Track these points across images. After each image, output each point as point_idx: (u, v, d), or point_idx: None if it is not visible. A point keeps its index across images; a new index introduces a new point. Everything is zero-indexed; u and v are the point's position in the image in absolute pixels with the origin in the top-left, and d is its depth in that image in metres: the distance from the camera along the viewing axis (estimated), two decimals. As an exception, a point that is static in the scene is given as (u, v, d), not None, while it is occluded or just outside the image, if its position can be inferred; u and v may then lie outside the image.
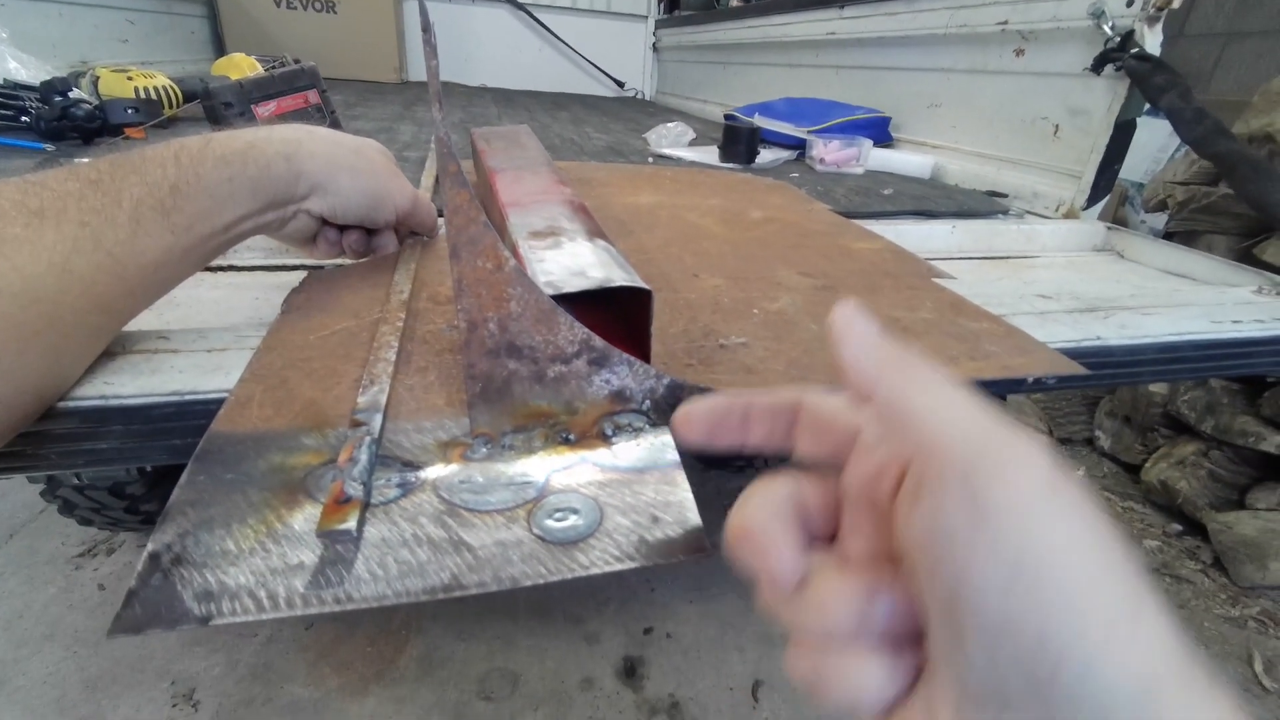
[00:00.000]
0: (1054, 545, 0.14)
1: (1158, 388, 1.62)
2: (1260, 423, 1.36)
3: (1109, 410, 1.75)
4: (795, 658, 0.19)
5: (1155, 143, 1.89)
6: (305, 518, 0.25)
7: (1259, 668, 1.16)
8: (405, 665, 1.10)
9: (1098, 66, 0.80)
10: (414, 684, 1.07)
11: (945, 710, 0.16)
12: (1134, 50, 0.75)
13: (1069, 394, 1.88)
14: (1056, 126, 0.89)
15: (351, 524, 0.24)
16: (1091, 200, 0.83)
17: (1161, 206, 1.64)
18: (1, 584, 1.19)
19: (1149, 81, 0.73)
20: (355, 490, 0.25)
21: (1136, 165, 1.93)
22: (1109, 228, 0.80)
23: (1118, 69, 0.78)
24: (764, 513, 0.19)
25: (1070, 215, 0.84)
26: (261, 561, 0.23)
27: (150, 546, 0.23)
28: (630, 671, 1.12)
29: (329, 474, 0.27)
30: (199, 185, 0.35)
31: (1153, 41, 0.75)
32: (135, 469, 1.00)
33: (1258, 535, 1.30)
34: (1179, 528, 1.50)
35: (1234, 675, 1.16)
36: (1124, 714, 0.13)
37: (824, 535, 0.21)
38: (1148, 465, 1.59)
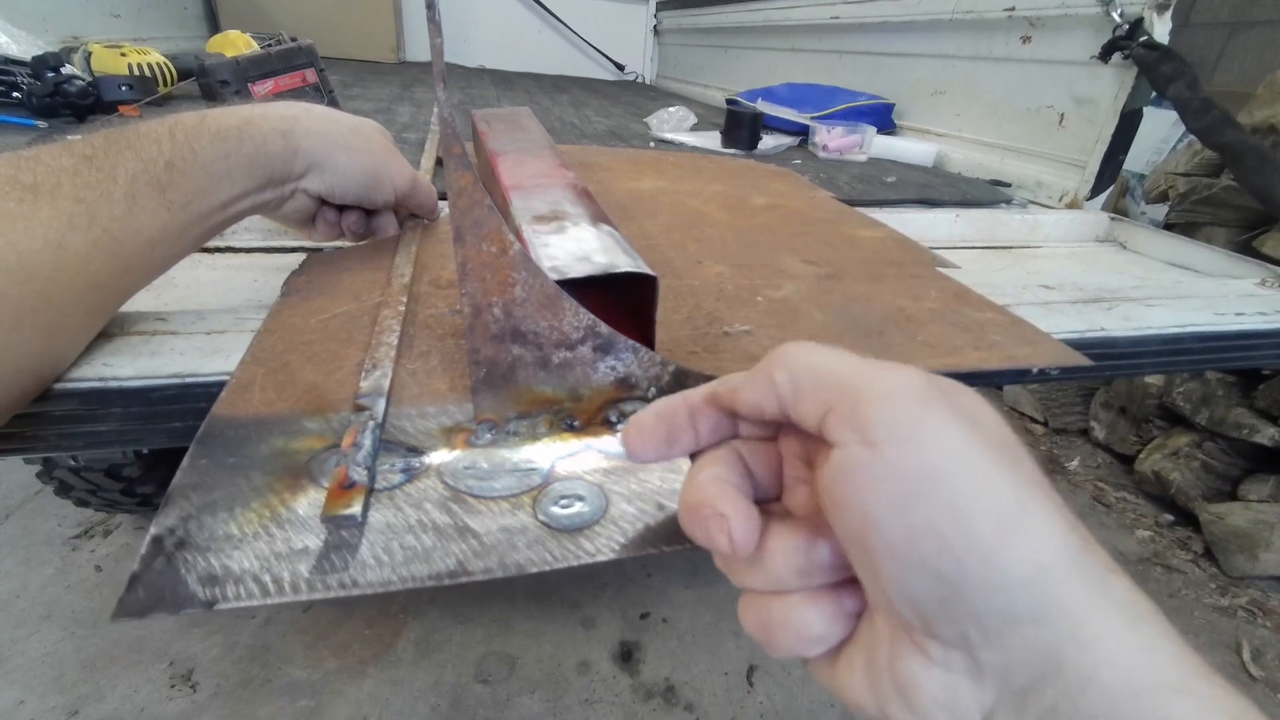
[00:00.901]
0: (938, 462, 0.15)
1: (1154, 379, 1.62)
2: (1254, 415, 1.37)
3: (1104, 401, 1.75)
4: (745, 610, 0.20)
5: (1157, 134, 1.88)
6: (309, 502, 0.25)
7: (1246, 656, 1.18)
8: (403, 648, 1.11)
9: (1105, 54, 0.79)
10: (411, 666, 1.08)
11: (882, 645, 0.17)
12: (1142, 38, 0.74)
13: (1065, 385, 1.89)
14: (1062, 115, 0.88)
15: (356, 509, 0.24)
16: (1095, 190, 0.82)
17: (1163, 198, 1.63)
18: (-2, 564, 1.18)
19: (1157, 70, 0.72)
20: (359, 475, 0.25)
21: (1138, 156, 1.92)
22: (1112, 218, 0.80)
23: (1125, 57, 0.77)
24: (713, 488, 0.20)
25: (1074, 205, 0.84)
26: (266, 546, 0.23)
27: (153, 530, 0.23)
28: (627, 656, 1.13)
29: (332, 458, 0.27)
30: (195, 162, 0.34)
31: (1161, 30, 0.75)
32: (132, 451, 1.00)
33: (1249, 526, 1.31)
34: (1170, 518, 1.51)
35: (1222, 663, 1.17)
36: (1024, 594, 0.15)
37: (771, 496, 0.22)
38: (1142, 456, 1.60)
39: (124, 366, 0.32)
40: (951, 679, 0.16)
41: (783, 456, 0.22)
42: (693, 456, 0.23)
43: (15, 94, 0.77)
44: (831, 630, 0.18)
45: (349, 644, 1.11)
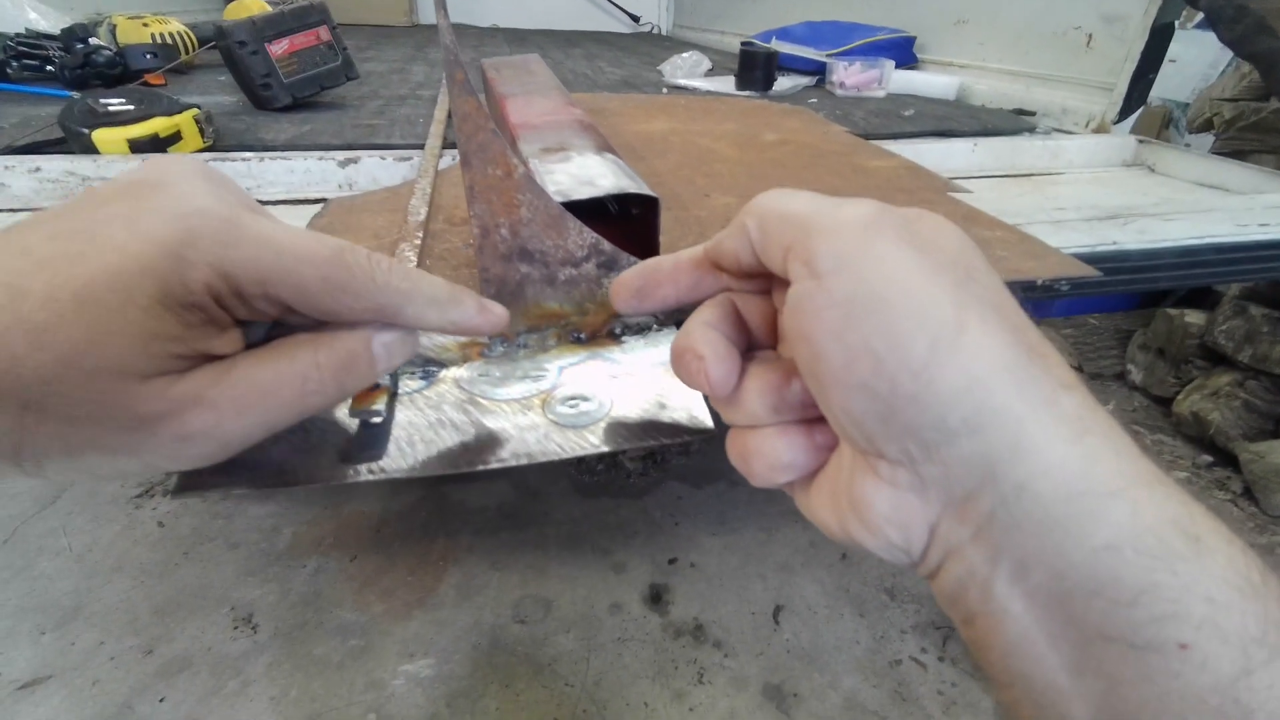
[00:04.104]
0: (875, 286, 0.16)
1: (1194, 318, 1.57)
2: (1300, 350, 1.32)
3: (1142, 344, 1.71)
4: (730, 443, 0.21)
5: (1205, 58, 1.78)
6: (337, 404, 0.27)
7: (1283, 591, 1.16)
8: (444, 592, 1.17)
9: (1136, -34, 0.75)
10: (453, 609, 1.14)
11: (844, 470, 0.18)
12: (1175, -54, 0.70)
13: (1101, 328, 1.84)
14: (1090, 36, 0.84)
15: (381, 406, 0.26)
16: (1124, 113, 0.79)
17: (1208, 125, 1.55)
18: (70, 521, 1.28)
19: (1190, -21, 0.68)
20: (383, 379, 0.27)
21: (1183, 84, 1.82)
22: (1140, 141, 0.77)
23: (1157, -32, 0.73)
24: (700, 333, 0.21)
25: (1101, 130, 0.81)
26: (300, 438, 0.25)
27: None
28: (656, 598, 1.18)
29: (357, 368, 0.29)
30: None
31: (1196, -65, 0.70)
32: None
33: (1290, 463, 1.28)
34: (1209, 459, 1.48)
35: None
36: (956, 407, 0.15)
37: (769, 344, 0.23)
38: (1180, 398, 1.56)
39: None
40: (898, 495, 0.16)
41: (775, 308, 0.22)
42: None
43: (49, 67, 0.80)
44: (798, 459, 0.20)
45: (394, 589, 1.18)
